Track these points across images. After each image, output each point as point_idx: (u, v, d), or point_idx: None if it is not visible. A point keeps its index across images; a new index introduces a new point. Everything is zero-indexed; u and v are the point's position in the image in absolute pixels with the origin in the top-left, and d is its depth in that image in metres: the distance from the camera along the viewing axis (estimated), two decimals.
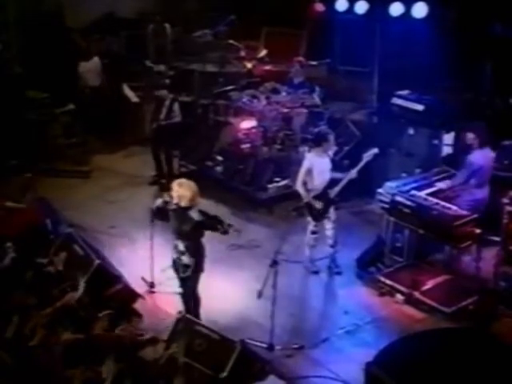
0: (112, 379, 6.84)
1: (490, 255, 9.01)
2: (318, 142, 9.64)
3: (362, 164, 9.45)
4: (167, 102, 12.20)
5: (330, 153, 9.67)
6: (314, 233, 9.63)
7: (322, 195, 9.49)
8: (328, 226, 9.63)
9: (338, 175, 9.54)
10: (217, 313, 8.68)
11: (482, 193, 9.45)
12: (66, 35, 14.72)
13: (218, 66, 14.01)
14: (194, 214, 7.96)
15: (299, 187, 9.56)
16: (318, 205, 9.45)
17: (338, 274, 9.72)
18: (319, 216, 9.54)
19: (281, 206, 11.11)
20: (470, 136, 9.51)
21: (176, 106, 12.23)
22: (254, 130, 11.98)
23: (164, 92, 12.35)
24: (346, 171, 9.56)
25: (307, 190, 9.52)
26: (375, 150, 9.53)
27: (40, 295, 8.00)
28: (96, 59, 14.25)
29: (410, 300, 8.98)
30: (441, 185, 9.67)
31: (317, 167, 9.46)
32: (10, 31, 13.94)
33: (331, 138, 9.60)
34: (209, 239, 10.40)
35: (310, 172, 9.49)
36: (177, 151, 13.12)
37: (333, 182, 9.51)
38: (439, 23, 11.87)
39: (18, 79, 13.48)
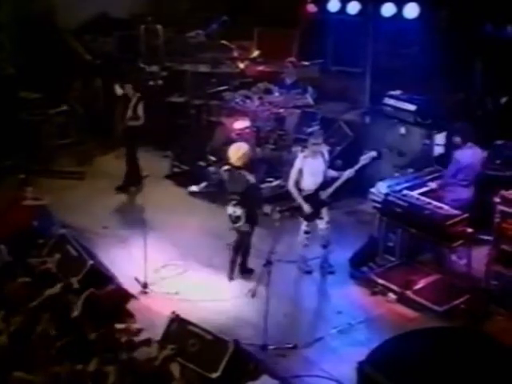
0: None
1: (481, 254, 9.04)
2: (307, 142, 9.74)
3: (358, 166, 9.50)
4: (132, 103, 12.07)
5: (326, 154, 9.68)
6: (306, 233, 9.66)
7: (314, 196, 9.52)
8: (321, 227, 9.66)
9: (333, 173, 9.59)
10: (210, 312, 8.72)
11: (467, 193, 9.53)
12: (58, 36, 14.71)
13: (211, 66, 14.01)
14: (250, 177, 9.33)
15: (291, 187, 9.60)
16: (308, 207, 9.49)
17: (331, 273, 9.75)
18: (310, 217, 9.57)
19: (274, 206, 11.12)
20: (456, 138, 9.70)
21: (140, 108, 12.07)
22: (246, 131, 11.98)
23: (130, 90, 12.17)
24: (340, 171, 9.62)
25: (299, 190, 9.55)
26: (373, 154, 9.57)
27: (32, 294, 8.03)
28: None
29: (402, 299, 9.02)
30: (433, 185, 9.75)
31: (308, 168, 9.50)
32: (2, 32, 13.92)
33: (315, 140, 9.61)
34: (202, 239, 10.51)
35: (301, 172, 9.53)
36: (169, 151, 13.17)
37: (326, 183, 9.55)
38: (431, 24, 11.91)
39: (10, 80, 13.48)
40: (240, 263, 9.73)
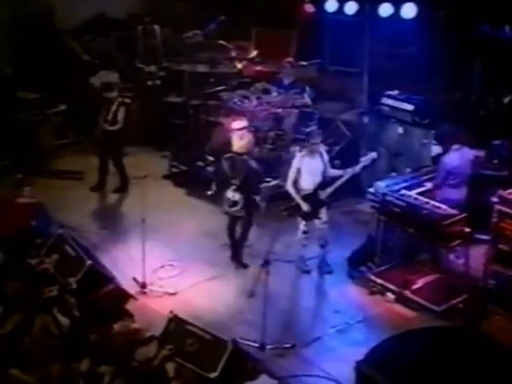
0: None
1: (479, 254, 9.06)
2: (305, 142, 9.75)
3: (358, 167, 9.52)
4: (114, 106, 12.04)
5: (325, 154, 9.69)
6: (304, 232, 9.67)
7: (312, 196, 9.53)
8: (319, 227, 9.67)
9: (336, 172, 9.61)
10: (208, 312, 8.73)
11: (457, 193, 9.56)
12: (56, 36, 14.71)
13: (209, 66, 14.02)
14: (252, 163, 9.76)
15: (289, 187, 9.61)
16: (306, 206, 9.50)
17: (329, 273, 9.76)
18: (308, 216, 9.58)
19: (272, 205, 11.13)
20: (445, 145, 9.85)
21: (121, 112, 12.03)
22: (244, 130, 11.97)
23: (113, 94, 12.17)
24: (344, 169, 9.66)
25: (297, 190, 9.56)
26: (374, 155, 9.59)
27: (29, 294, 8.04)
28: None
29: (400, 299, 9.04)
30: (429, 185, 9.78)
31: (306, 167, 9.51)
32: (0, 32, 13.92)
33: (314, 140, 9.63)
34: (200, 239, 10.52)
35: (299, 172, 9.54)
36: (167, 151, 13.18)
37: (325, 183, 9.54)
38: (428, 23, 11.92)
39: (9, 80, 13.47)
40: (235, 255, 9.94)
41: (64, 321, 7.65)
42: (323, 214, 9.65)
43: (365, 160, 9.58)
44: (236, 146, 9.83)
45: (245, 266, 9.79)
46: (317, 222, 9.65)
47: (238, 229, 10.03)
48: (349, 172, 9.53)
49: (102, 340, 7.35)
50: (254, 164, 9.82)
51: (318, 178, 9.53)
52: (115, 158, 12.33)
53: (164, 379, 7.20)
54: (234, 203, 9.70)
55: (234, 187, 9.67)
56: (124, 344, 7.21)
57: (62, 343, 7.28)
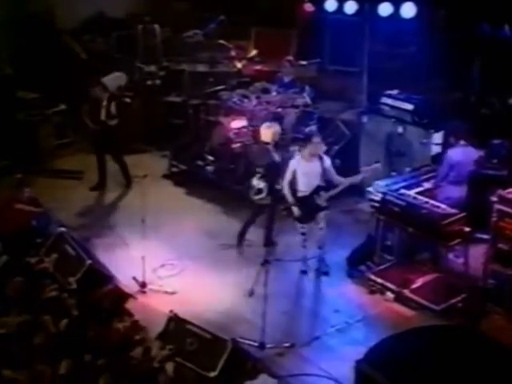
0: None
1: (478, 253, 9.06)
2: (303, 142, 9.73)
3: (360, 177, 9.53)
4: (104, 102, 12.00)
5: (326, 159, 9.64)
6: (302, 234, 9.63)
7: (309, 199, 9.46)
8: (317, 229, 9.62)
9: (340, 180, 9.52)
10: (208, 312, 8.73)
11: (458, 192, 9.58)
12: (56, 36, 14.72)
13: (209, 66, 14.05)
14: (275, 154, 9.97)
15: (284, 188, 9.56)
16: (297, 211, 9.47)
17: (326, 273, 9.71)
18: (303, 219, 9.54)
19: None
20: (451, 137, 9.87)
21: (113, 106, 12.00)
22: (244, 130, 12.01)
23: (96, 91, 12.11)
24: (339, 173, 9.63)
25: (294, 191, 9.52)
26: (377, 166, 9.58)
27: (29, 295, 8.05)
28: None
29: (399, 298, 9.04)
30: (428, 184, 9.79)
31: (301, 170, 9.43)
32: (0, 32, 13.94)
33: (316, 139, 9.59)
34: (200, 239, 10.52)
35: (294, 174, 9.49)
36: (167, 151, 13.19)
37: (324, 187, 9.49)
38: (428, 23, 11.93)
39: (8, 80, 13.48)
40: (265, 235, 10.13)
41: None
42: (321, 219, 9.55)
43: (366, 171, 9.57)
44: (263, 135, 10.10)
45: (273, 244, 10.02)
46: (314, 226, 9.61)
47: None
48: (348, 180, 9.50)
49: (99, 338, 7.37)
50: (275, 154, 9.96)
51: (316, 181, 9.40)
52: (115, 153, 12.33)
53: (164, 379, 7.20)
54: (259, 191, 9.84)
55: (258, 175, 9.84)
56: (121, 342, 7.24)
57: (60, 342, 7.28)
